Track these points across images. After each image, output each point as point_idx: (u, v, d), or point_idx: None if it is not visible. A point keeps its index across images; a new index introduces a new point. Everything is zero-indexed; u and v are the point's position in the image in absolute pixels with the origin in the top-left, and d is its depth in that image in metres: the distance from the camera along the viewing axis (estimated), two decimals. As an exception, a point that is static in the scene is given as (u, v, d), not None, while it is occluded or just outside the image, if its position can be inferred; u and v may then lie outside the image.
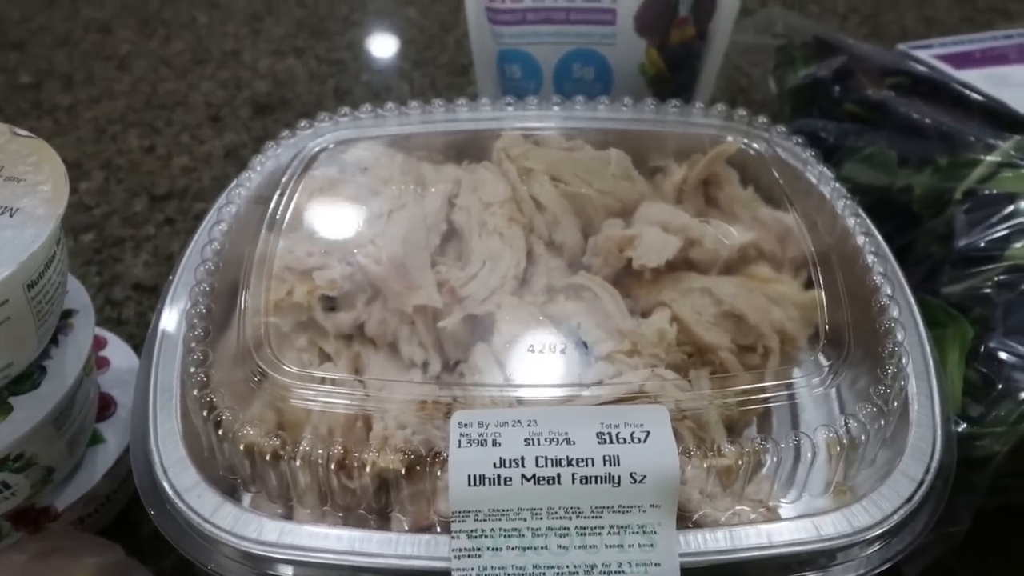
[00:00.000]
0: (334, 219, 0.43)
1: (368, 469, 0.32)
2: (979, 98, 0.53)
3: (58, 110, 0.79)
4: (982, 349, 0.43)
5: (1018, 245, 0.46)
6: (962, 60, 0.58)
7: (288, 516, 0.34)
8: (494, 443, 0.32)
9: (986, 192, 0.48)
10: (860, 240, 0.41)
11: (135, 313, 0.60)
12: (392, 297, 0.39)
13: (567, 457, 0.31)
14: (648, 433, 0.32)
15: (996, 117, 0.53)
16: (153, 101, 0.80)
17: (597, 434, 0.32)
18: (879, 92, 0.57)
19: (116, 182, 0.72)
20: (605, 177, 0.45)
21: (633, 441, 0.31)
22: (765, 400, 0.38)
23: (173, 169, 0.73)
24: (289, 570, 0.32)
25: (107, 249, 0.66)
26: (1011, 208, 0.47)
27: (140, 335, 0.57)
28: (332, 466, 0.32)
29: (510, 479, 0.31)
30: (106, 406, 0.47)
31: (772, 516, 0.34)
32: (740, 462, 0.33)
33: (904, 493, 0.33)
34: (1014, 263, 0.45)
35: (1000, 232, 0.47)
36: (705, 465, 0.33)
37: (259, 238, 0.41)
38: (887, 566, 0.33)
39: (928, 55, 0.60)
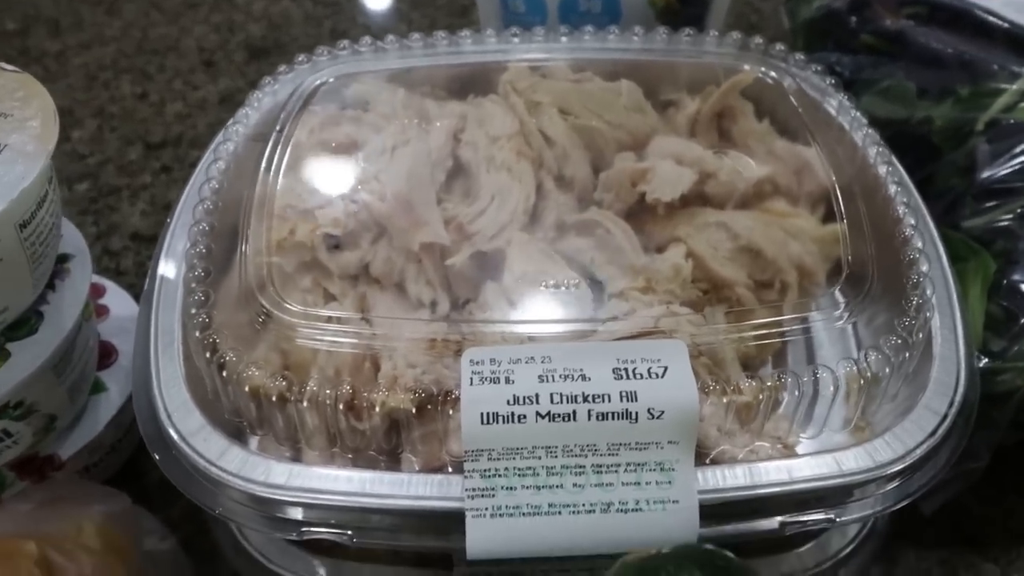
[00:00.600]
0: (335, 156, 0.42)
1: (377, 409, 0.31)
2: (1002, 24, 0.51)
3: (47, 57, 0.77)
4: (1004, 283, 0.42)
5: None
6: None
7: (296, 458, 0.34)
8: (507, 380, 0.31)
9: (1010, 122, 0.46)
10: (882, 170, 0.40)
11: (133, 263, 0.59)
12: (398, 235, 0.38)
13: (583, 393, 0.30)
14: (666, 368, 0.31)
15: (1021, 44, 0.50)
16: (144, 46, 0.78)
17: (613, 370, 0.31)
18: (897, 22, 0.55)
19: (110, 130, 0.71)
20: (616, 109, 0.44)
21: (650, 376, 0.30)
22: (782, 336, 0.37)
23: (167, 116, 0.71)
24: (299, 512, 0.31)
25: (103, 198, 0.65)
26: None
27: (139, 285, 0.55)
28: (340, 407, 0.32)
29: (524, 416, 0.30)
30: (107, 354, 0.46)
31: (790, 453, 0.34)
32: (760, 398, 0.32)
33: (927, 428, 0.33)
34: None
35: (1022, 164, 0.45)
36: (724, 401, 0.32)
37: (258, 177, 0.40)
38: (907, 502, 0.32)
39: None
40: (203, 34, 0.79)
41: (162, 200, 0.64)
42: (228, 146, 0.41)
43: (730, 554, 0.29)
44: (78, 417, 0.44)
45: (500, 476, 0.31)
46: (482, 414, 0.31)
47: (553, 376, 0.31)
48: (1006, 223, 0.44)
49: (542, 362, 0.31)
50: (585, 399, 0.30)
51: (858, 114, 0.43)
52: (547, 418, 0.30)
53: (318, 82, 0.45)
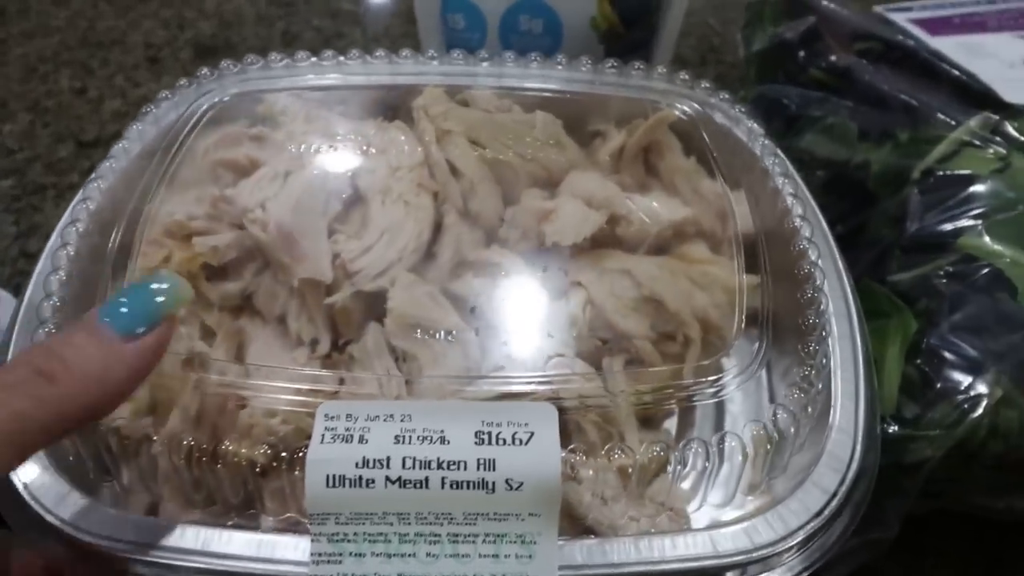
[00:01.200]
0: (226, 179, 0.39)
1: (220, 464, 0.29)
2: (950, 70, 0.50)
3: None
4: (924, 344, 0.40)
5: (975, 234, 0.42)
6: (939, 26, 0.54)
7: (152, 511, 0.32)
8: (360, 439, 0.29)
9: (944, 173, 0.44)
10: (797, 222, 0.38)
11: None
12: (280, 268, 0.36)
13: (438, 459, 0.29)
14: (532, 434, 0.29)
15: (965, 91, 0.49)
16: (89, 38, 0.76)
17: (476, 433, 0.29)
18: (846, 58, 0.53)
19: (42, 125, 0.69)
20: (529, 143, 0.42)
21: (514, 443, 0.28)
22: (684, 393, 0.36)
23: (104, 113, 0.69)
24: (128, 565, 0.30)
25: (27, 197, 0.63)
26: (969, 191, 0.43)
27: None
28: (186, 457, 0.29)
29: (373, 481, 0.29)
30: None
31: (678, 521, 0.31)
32: (635, 462, 0.30)
33: (813, 507, 0.30)
34: (967, 252, 0.42)
35: (955, 217, 0.43)
36: (594, 469, 0.31)
37: (140, 197, 0.38)
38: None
39: (904, 18, 0.56)
40: (151, 29, 0.77)
41: (85, 203, 0.61)
42: (113, 163, 0.39)
43: None
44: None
45: (348, 541, 0.29)
46: (328, 476, 0.29)
47: (410, 437, 0.29)
48: (933, 281, 0.42)
49: (401, 420, 0.29)
50: (440, 465, 0.28)
51: (779, 158, 0.41)
52: (397, 483, 0.29)
53: (219, 99, 0.43)
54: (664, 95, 0.44)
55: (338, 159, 0.40)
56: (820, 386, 0.32)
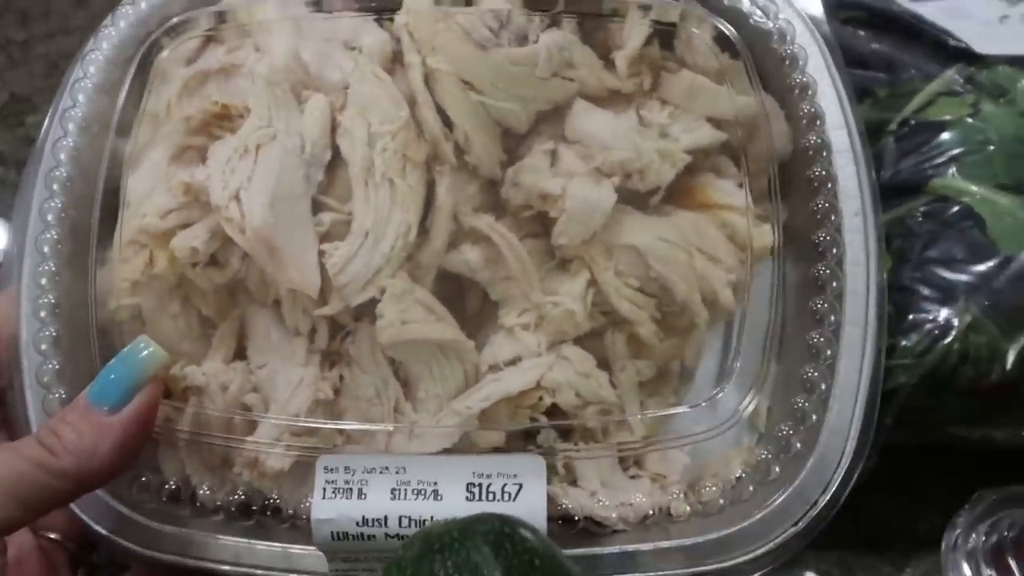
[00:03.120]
0: (189, 151, 0.33)
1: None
2: (928, 29, 0.44)
3: (11, 44, 0.70)
4: (897, 281, 0.37)
5: (947, 175, 0.39)
6: None
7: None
8: (360, 494, 0.28)
9: (918, 120, 0.41)
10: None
11: None
12: (266, 271, 0.32)
13: (432, 517, 0.28)
14: (520, 487, 0.28)
15: (943, 49, 0.44)
16: None
17: (467, 485, 0.28)
18: (831, 25, 0.46)
19: None
20: (531, 82, 0.33)
21: (503, 497, 0.28)
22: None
23: None
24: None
25: None
26: (942, 136, 0.40)
27: None
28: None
29: (373, 536, 0.28)
30: None
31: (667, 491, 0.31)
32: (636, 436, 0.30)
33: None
34: (939, 193, 0.39)
35: (929, 161, 0.40)
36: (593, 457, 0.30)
37: (102, 178, 0.33)
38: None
39: None
40: None
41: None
42: (75, 112, 0.34)
43: (516, 521, 0.26)
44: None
45: (360, 561, 0.29)
46: (332, 532, 0.29)
47: (406, 491, 0.28)
48: (906, 222, 0.39)
49: (396, 473, 0.29)
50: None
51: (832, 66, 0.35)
52: (396, 538, 0.28)
53: (168, 26, 0.35)
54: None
55: (312, 119, 0.33)
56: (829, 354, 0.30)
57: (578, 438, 0.32)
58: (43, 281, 0.32)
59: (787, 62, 0.35)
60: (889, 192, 0.39)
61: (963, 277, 0.36)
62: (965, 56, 0.43)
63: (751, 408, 0.31)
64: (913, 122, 0.41)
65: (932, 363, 0.35)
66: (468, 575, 0.22)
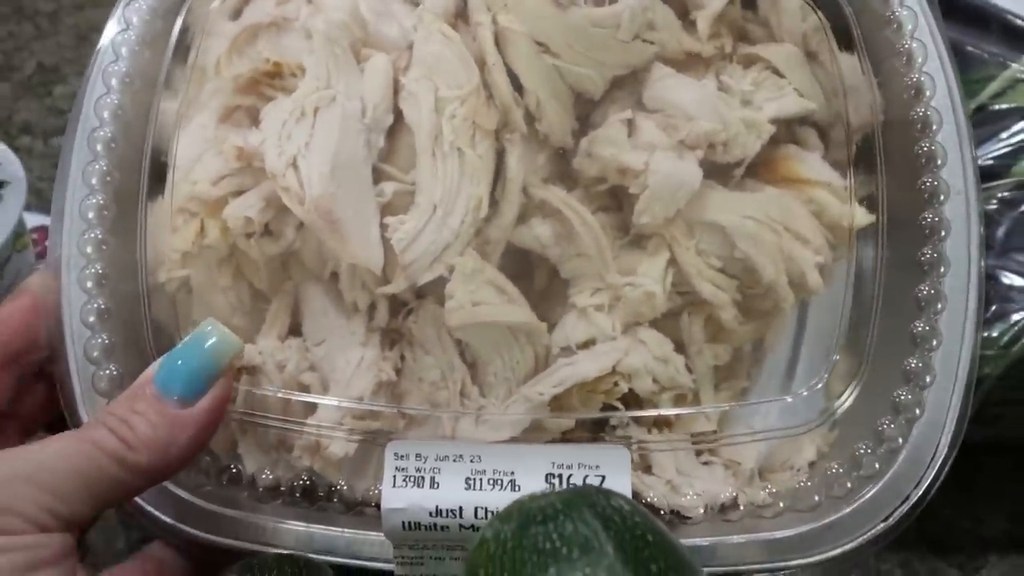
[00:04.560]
0: (239, 111, 0.32)
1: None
2: (999, 13, 0.45)
3: (39, 15, 0.70)
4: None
5: None
6: None
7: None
8: (432, 483, 0.27)
9: (996, 107, 0.42)
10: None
11: None
12: (325, 245, 0.31)
13: None
14: (603, 479, 0.27)
15: (1015, 33, 0.44)
16: None
17: (547, 476, 0.27)
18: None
19: None
20: (611, 46, 0.30)
21: None
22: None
23: None
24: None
25: None
26: (1022, 123, 0.41)
27: None
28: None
29: (447, 527, 0.27)
30: None
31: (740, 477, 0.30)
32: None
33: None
34: (1020, 179, 0.39)
35: (1008, 148, 0.40)
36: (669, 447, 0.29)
37: (151, 137, 0.31)
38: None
39: None
40: None
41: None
42: (118, 67, 0.32)
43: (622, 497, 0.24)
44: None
45: (428, 549, 0.28)
46: (403, 522, 0.27)
47: (481, 481, 0.27)
48: (986, 208, 0.38)
49: (471, 462, 0.28)
50: (512, 513, 0.25)
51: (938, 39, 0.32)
52: (471, 529, 0.27)
53: None
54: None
55: (373, 79, 0.31)
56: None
57: (651, 424, 0.30)
58: (88, 249, 0.30)
59: (894, 26, 0.31)
60: (969, 178, 0.40)
61: (1049, 266, 0.37)
62: None
63: (845, 403, 0.29)
64: (992, 108, 0.41)
65: (1018, 355, 0.35)
66: (577, 548, 0.21)
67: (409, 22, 0.32)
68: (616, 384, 0.29)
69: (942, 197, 0.30)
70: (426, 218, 0.30)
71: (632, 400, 0.31)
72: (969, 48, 0.43)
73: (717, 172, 0.32)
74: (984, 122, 0.41)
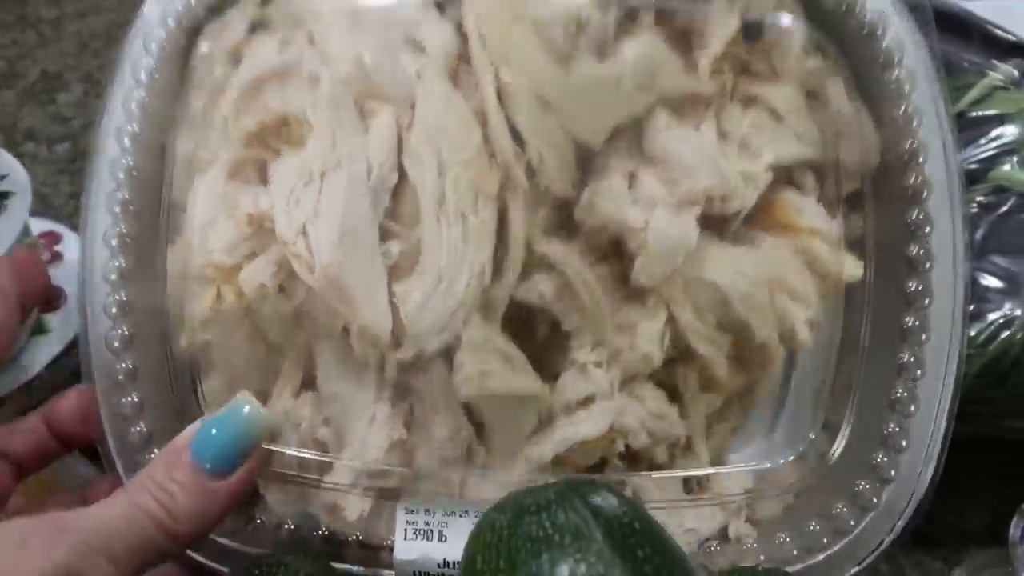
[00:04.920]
0: (247, 165, 0.33)
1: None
2: (980, 23, 0.46)
3: (42, 23, 0.73)
4: None
5: (1005, 167, 0.41)
6: None
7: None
8: (440, 537, 0.29)
9: (976, 114, 0.43)
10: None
11: None
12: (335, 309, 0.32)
13: None
14: None
15: (995, 43, 0.46)
16: None
17: None
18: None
19: (95, 96, 0.66)
20: (612, 100, 0.32)
21: None
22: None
23: None
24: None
25: (81, 159, 0.61)
26: (1000, 129, 0.42)
27: None
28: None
29: None
30: (55, 297, 0.43)
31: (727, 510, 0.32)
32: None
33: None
34: (997, 184, 0.41)
35: (986, 153, 0.42)
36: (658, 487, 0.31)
37: (164, 199, 0.33)
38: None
39: None
40: None
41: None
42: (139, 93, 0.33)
43: (610, 487, 0.26)
44: (15, 357, 0.41)
45: None
46: (414, 572, 0.30)
47: None
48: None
49: (475, 516, 0.30)
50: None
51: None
52: None
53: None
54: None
55: (378, 139, 0.31)
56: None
57: (645, 467, 0.32)
58: (114, 310, 0.32)
59: (881, 59, 0.32)
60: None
61: (1025, 268, 0.39)
62: (1020, 51, 0.45)
63: (838, 449, 0.31)
64: (972, 114, 0.43)
65: (994, 354, 0.37)
66: (569, 535, 0.22)
67: (413, 68, 0.32)
68: (613, 441, 0.31)
69: (928, 229, 0.31)
70: (432, 287, 0.31)
71: (628, 451, 0.32)
72: (952, 56, 0.45)
73: (715, 224, 0.33)
74: (964, 128, 0.42)
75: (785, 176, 0.33)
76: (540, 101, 0.31)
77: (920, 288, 0.31)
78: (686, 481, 0.33)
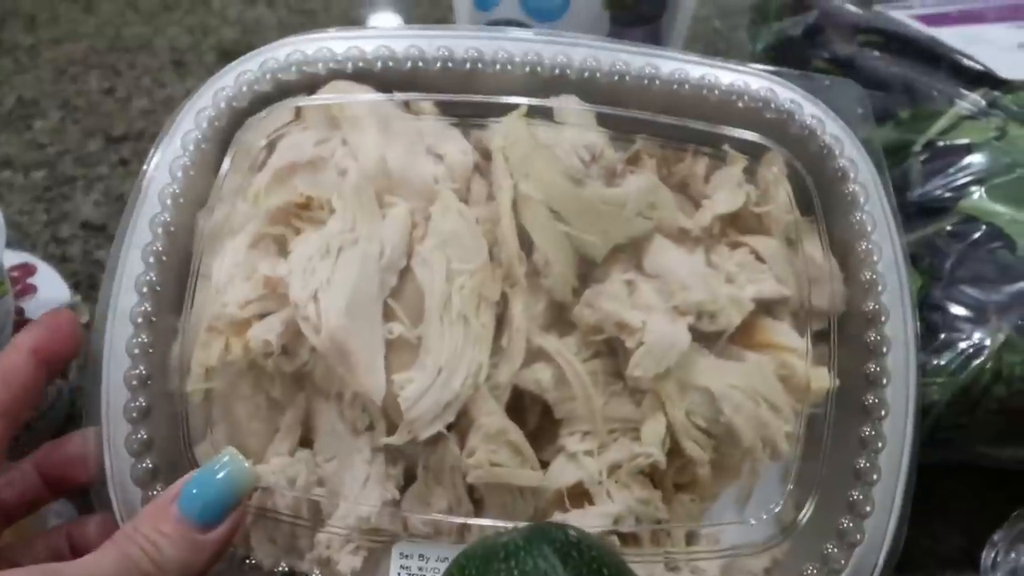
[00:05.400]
0: (267, 238, 0.34)
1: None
2: (948, 52, 0.47)
3: (19, 49, 0.73)
4: (928, 299, 0.39)
5: (974, 196, 0.41)
6: (938, 20, 0.50)
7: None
8: None
9: (945, 143, 0.43)
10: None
11: (81, 251, 0.56)
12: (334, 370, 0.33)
13: None
14: None
15: (963, 72, 0.46)
16: (117, 44, 0.74)
17: None
18: (848, 48, 0.48)
19: (72, 122, 0.66)
20: (616, 221, 0.35)
21: None
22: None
23: (132, 111, 0.67)
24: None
25: (57, 187, 0.60)
26: (968, 159, 0.42)
27: (84, 272, 0.54)
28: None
29: None
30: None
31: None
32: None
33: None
34: (967, 214, 0.41)
35: (955, 182, 0.42)
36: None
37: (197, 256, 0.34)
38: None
39: (904, 15, 0.52)
40: (176, 35, 0.74)
41: (116, 191, 0.60)
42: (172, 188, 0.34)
43: (578, 531, 0.27)
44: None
45: None
46: None
47: None
48: (935, 241, 0.41)
49: None
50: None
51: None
52: None
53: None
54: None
55: (392, 227, 0.34)
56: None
57: (627, 543, 0.32)
58: (136, 351, 0.31)
59: (856, 226, 0.35)
60: (917, 212, 0.41)
61: (994, 297, 0.38)
62: (988, 80, 0.45)
63: (805, 515, 0.32)
64: (940, 143, 0.43)
65: (965, 382, 0.37)
66: None
67: (431, 173, 0.35)
68: (602, 527, 0.32)
69: (885, 349, 0.33)
70: (431, 380, 0.32)
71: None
72: (921, 84, 0.45)
73: (704, 338, 0.35)
74: (933, 157, 0.43)
75: (764, 308, 0.36)
76: (552, 211, 0.34)
77: (877, 370, 0.33)
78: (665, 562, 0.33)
